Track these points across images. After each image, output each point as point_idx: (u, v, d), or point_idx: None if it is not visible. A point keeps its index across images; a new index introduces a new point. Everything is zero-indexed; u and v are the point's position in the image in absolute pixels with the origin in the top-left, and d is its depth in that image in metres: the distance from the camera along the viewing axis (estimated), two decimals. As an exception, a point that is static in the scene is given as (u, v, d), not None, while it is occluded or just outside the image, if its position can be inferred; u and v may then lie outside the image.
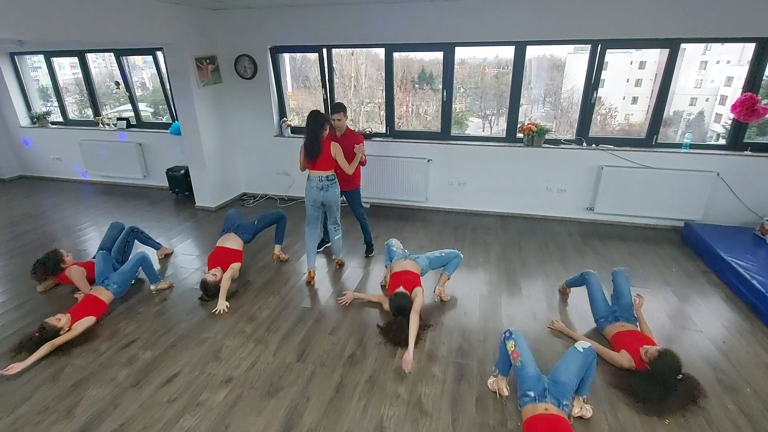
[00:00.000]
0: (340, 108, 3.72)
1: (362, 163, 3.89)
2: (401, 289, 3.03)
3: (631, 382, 2.47)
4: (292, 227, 4.86)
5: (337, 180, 3.62)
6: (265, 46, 5.15)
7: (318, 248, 4.25)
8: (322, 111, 3.64)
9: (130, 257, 3.56)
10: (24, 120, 6.76)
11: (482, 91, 6.45)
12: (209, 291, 3.41)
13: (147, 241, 4.18)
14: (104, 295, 3.23)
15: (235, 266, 3.63)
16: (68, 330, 2.91)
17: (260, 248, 4.38)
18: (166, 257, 4.26)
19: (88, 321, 3.02)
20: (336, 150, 3.47)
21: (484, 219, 5.10)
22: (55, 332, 2.83)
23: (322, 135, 3.39)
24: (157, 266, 4.01)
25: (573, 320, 3.16)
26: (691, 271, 3.87)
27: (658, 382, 2.37)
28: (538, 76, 6.49)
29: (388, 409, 2.40)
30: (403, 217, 5.17)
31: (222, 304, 3.33)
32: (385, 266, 3.61)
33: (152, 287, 3.63)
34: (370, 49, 5.73)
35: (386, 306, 3.06)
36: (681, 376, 2.35)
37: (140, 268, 3.55)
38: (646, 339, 2.66)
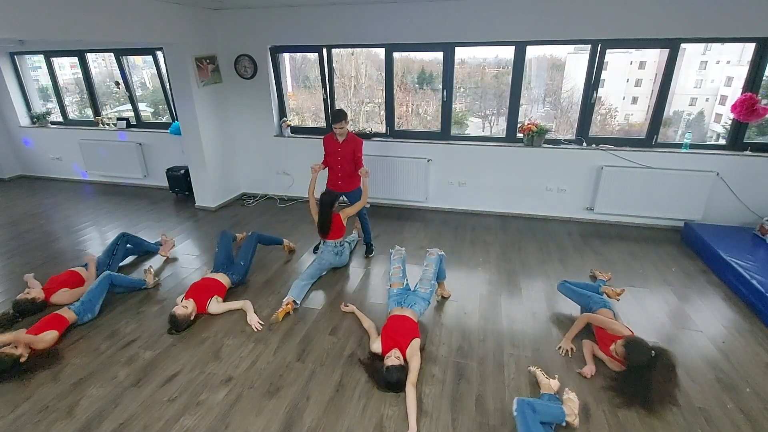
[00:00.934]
0: (341, 116, 3.73)
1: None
2: (396, 358, 2.57)
3: (624, 388, 2.45)
4: (291, 226, 4.89)
5: (346, 243, 3.93)
6: (265, 46, 5.16)
7: (315, 250, 4.26)
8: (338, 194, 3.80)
9: (97, 278, 3.35)
10: (24, 120, 6.77)
11: (482, 91, 6.44)
12: (178, 326, 3.04)
13: (141, 244, 4.15)
14: (68, 314, 3.05)
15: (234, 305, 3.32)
16: (30, 352, 2.72)
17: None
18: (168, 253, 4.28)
19: (51, 333, 2.84)
20: (345, 216, 3.76)
21: (484, 219, 5.10)
22: (14, 361, 2.61)
23: (333, 212, 3.68)
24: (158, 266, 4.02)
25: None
26: (690, 270, 3.87)
27: (641, 371, 2.38)
28: (538, 76, 6.48)
29: (388, 408, 2.40)
30: (402, 217, 5.17)
31: (253, 319, 3.16)
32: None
33: (148, 286, 3.64)
34: (370, 49, 5.73)
35: (373, 346, 2.76)
36: (654, 352, 2.36)
37: (112, 285, 3.39)
38: (612, 338, 2.65)
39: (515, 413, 2.16)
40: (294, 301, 3.32)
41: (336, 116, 3.74)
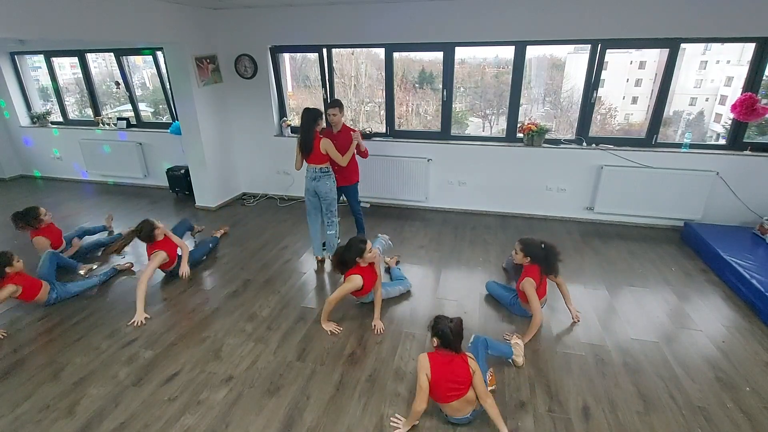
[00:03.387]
0: (335, 103, 3.79)
1: (363, 155, 3.92)
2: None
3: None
4: (291, 226, 4.89)
5: (331, 173, 3.73)
6: (265, 45, 5.16)
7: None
8: (321, 109, 3.68)
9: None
10: (24, 120, 6.77)
11: (482, 91, 6.45)
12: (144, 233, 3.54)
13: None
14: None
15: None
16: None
17: (260, 247, 4.39)
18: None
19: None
20: (325, 145, 3.59)
21: (484, 218, 5.11)
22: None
23: (315, 129, 3.55)
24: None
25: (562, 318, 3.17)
26: (690, 270, 3.88)
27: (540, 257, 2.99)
28: (538, 76, 6.50)
29: (388, 407, 2.40)
30: (402, 217, 5.17)
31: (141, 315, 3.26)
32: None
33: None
34: (370, 49, 5.74)
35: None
36: (543, 245, 2.98)
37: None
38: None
39: (470, 345, 2.52)
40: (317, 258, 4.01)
41: (330, 103, 3.81)
